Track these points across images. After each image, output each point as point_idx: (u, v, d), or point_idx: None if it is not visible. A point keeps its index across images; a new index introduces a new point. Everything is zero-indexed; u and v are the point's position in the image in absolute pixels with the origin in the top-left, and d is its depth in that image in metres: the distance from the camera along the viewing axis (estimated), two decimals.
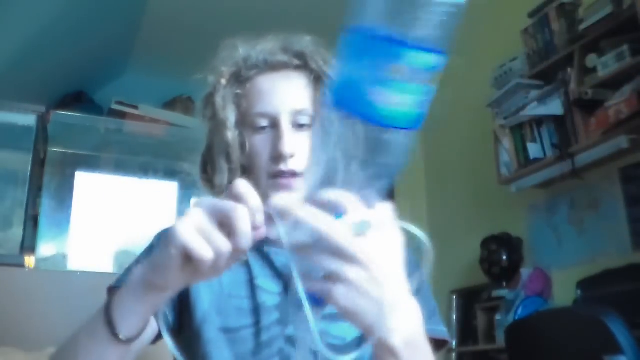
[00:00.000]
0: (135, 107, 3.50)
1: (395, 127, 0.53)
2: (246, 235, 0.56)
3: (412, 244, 0.62)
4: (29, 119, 2.61)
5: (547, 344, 1.69)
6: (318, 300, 0.55)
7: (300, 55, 0.89)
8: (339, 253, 0.54)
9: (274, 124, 0.86)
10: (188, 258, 0.56)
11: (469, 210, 3.12)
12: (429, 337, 0.60)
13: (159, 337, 0.80)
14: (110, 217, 3.05)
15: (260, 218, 0.57)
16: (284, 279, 0.87)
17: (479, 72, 2.83)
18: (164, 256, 0.58)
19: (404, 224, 0.60)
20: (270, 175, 0.86)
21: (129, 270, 0.82)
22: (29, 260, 2.33)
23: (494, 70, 2.75)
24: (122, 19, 3.44)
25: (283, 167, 0.84)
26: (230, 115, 0.88)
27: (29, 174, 2.58)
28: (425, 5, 0.49)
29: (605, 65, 2.19)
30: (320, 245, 0.54)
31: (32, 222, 2.67)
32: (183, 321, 0.85)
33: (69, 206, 3.00)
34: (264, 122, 0.87)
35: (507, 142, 2.66)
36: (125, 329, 0.63)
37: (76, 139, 3.06)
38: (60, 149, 2.98)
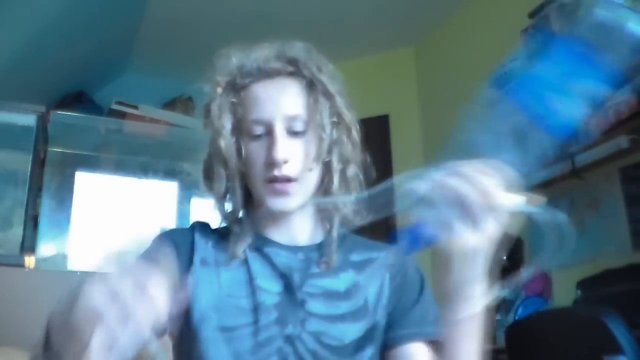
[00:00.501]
0: (135, 107, 3.49)
1: (552, 131, 0.63)
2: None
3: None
4: (29, 119, 2.60)
5: (547, 344, 1.69)
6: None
7: (293, 62, 0.90)
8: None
9: (269, 131, 0.87)
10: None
11: None
12: (434, 339, 0.62)
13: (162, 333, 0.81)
14: (110, 217, 3.05)
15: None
16: (284, 278, 0.88)
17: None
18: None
19: (547, 207, 0.67)
20: (266, 181, 0.87)
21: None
22: (29, 260, 2.33)
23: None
24: (122, 19, 3.44)
25: (277, 172, 0.86)
26: (226, 123, 0.89)
27: (29, 174, 2.57)
28: (623, 45, 0.59)
29: None
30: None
31: (32, 222, 2.66)
32: (181, 321, 0.85)
33: (69, 206, 3.00)
34: (259, 129, 0.88)
35: None
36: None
37: (76, 139, 3.05)
38: (60, 149, 2.98)
